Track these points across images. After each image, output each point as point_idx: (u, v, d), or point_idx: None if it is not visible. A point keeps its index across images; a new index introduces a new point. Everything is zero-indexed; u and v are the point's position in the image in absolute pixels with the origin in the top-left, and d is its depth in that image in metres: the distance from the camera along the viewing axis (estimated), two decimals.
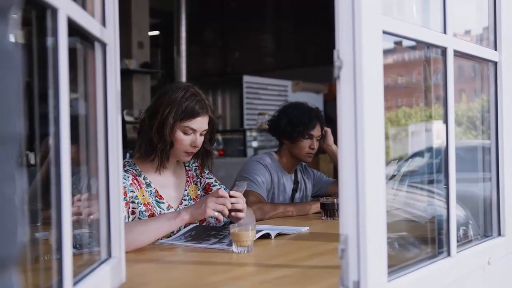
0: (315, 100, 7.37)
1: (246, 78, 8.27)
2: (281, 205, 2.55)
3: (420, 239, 1.47)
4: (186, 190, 2.06)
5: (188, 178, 2.10)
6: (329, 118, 3.31)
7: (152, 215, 1.90)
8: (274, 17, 9.81)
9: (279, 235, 1.91)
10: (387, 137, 1.16)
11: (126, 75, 6.81)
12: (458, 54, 1.40)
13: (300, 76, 8.64)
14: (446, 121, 1.34)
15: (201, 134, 1.97)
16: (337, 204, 2.32)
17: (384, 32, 1.08)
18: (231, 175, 2.97)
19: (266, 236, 1.85)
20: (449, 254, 1.34)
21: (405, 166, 1.71)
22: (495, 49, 1.61)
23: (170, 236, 1.89)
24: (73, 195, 0.93)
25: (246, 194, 2.02)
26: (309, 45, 8.83)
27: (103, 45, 1.19)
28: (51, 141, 0.89)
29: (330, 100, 8.06)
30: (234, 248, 1.64)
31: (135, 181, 1.93)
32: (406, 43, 1.32)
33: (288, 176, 2.77)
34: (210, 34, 9.84)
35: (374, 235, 1.03)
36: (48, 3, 0.85)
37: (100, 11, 1.18)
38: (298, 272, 1.43)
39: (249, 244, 1.63)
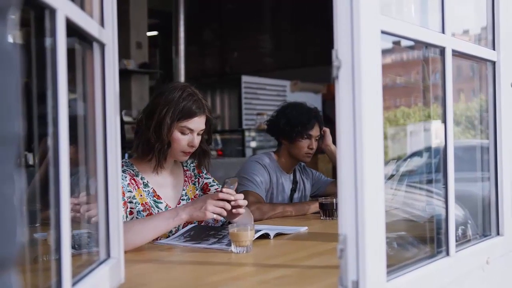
0: (313, 100, 7.39)
1: (245, 78, 8.28)
2: (280, 205, 2.55)
3: (419, 239, 1.47)
4: (184, 190, 2.06)
5: (186, 178, 2.10)
6: (328, 118, 3.30)
7: (150, 215, 1.89)
8: (272, 17, 9.81)
9: (278, 235, 1.91)
10: (385, 137, 1.16)
11: (124, 75, 6.79)
12: (456, 53, 1.40)
13: (299, 76, 8.65)
14: (444, 121, 1.35)
15: (198, 134, 1.97)
16: (336, 204, 2.32)
17: (383, 32, 1.09)
18: (229, 175, 2.95)
19: (265, 236, 1.85)
20: (447, 254, 1.34)
21: (404, 165, 1.71)
22: (493, 49, 1.61)
23: (169, 236, 1.89)
24: (71, 195, 0.93)
25: (244, 194, 2.01)
26: (308, 45, 8.84)
27: (102, 46, 1.18)
28: (49, 141, 0.88)
29: (329, 100, 8.06)
30: (233, 248, 1.64)
31: (132, 181, 1.93)
32: (404, 43, 1.32)
33: (287, 176, 2.77)
34: (208, 35, 9.85)
35: (373, 235, 1.03)
36: (47, 3, 0.85)
37: (98, 11, 1.18)
38: (297, 272, 1.43)
39: (248, 244, 1.63)
